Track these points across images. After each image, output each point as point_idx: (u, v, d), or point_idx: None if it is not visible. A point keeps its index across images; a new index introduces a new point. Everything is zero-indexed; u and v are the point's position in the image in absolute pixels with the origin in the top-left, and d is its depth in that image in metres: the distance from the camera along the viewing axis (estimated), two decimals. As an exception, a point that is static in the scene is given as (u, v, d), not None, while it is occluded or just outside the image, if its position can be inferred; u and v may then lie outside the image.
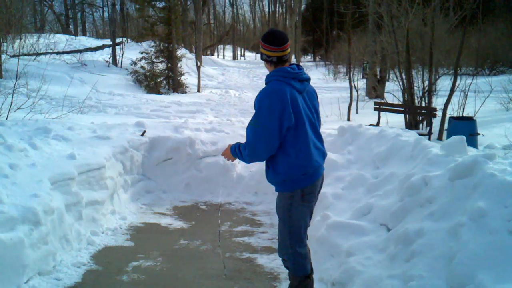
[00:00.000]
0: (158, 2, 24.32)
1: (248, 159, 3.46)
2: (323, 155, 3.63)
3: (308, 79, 3.57)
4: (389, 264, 3.58)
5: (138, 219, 6.15)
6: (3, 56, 15.68)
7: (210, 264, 4.74)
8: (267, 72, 3.55)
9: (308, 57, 56.86)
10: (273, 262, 4.77)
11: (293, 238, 3.55)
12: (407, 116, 11.61)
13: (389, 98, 14.71)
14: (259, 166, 7.34)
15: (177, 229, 5.84)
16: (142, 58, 22.49)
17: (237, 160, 3.81)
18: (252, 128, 3.35)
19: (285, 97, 3.29)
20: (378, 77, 19.66)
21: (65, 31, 41.56)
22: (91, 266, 4.62)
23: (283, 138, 3.36)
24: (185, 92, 22.42)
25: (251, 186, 7.15)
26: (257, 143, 3.33)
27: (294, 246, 3.55)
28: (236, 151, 3.55)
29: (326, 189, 5.18)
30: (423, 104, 11.70)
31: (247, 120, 10.48)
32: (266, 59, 3.50)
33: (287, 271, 3.79)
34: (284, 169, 3.42)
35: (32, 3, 36.18)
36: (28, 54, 19.64)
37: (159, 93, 21.06)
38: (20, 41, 21.22)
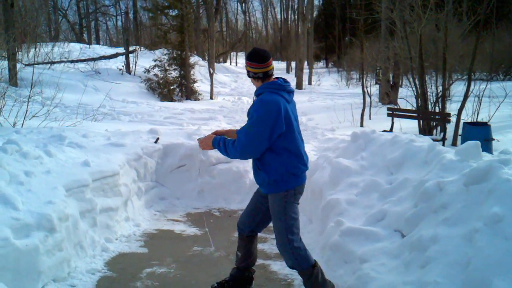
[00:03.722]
0: (171, 10, 24.44)
1: (233, 155, 3.79)
2: (308, 160, 3.99)
3: (293, 91, 3.95)
4: (404, 270, 3.56)
5: (151, 225, 6.17)
6: (18, 65, 15.87)
7: (223, 270, 4.73)
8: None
9: (321, 64, 56.80)
10: (287, 269, 4.74)
11: (290, 235, 3.80)
12: (421, 121, 11.53)
13: (402, 104, 14.63)
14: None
15: (191, 235, 5.85)
16: (155, 65, 22.63)
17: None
18: (246, 131, 3.67)
19: (279, 108, 3.65)
20: (391, 83, 19.57)
21: (79, 39, 42.03)
22: (105, 272, 4.64)
23: (275, 142, 3.71)
24: (198, 99, 22.50)
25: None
26: (248, 144, 3.65)
27: (292, 242, 3.79)
28: (220, 144, 3.82)
29: (340, 195, 5.16)
30: (437, 110, 11.61)
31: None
32: (253, 76, 3.84)
33: (301, 278, 3.85)
34: (275, 170, 3.76)
35: (47, 12, 36.63)
36: (43, 63, 19.91)
37: (172, 100, 21.16)
38: (35, 50, 21.51)
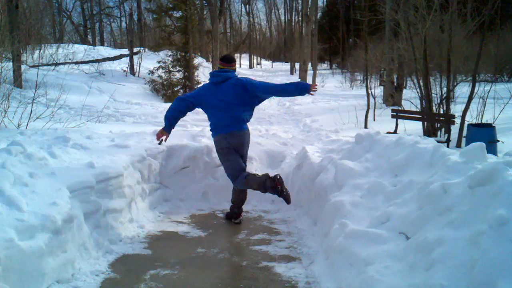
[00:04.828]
0: (175, 12, 24.49)
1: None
2: None
3: None
4: (409, 273, 3.54)
5: (155, 227, 6.17)
6: (23, 67, 15.91)
7: (227, 273, 4.73)
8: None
9: (325, 65, 56.73)
10: (291, 271, 4.74)
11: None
12: (425, 123, 11.51)
13: (406, 106, 14.60)
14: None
15: (195, 237, 5.85)
16: (159, 67, 22.67)
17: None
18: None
19: None
20: (395, 84, 19.53)
21: (83, 41, 42.19)
22: (109, 274, 4.64)
23: None
24: (202, 101, 22.48)
25: (269, 194, 7.12)
26: None
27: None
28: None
29: (344, 197, 5.15)
30: (441, 111, 11.59)
31: (263, 128, 10.48)
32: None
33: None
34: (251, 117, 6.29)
35: (51, 14, 36.74)
36: (47, 64, 19.97)
37: (176, 102, 21.13)
38: (39, 51, 21.59)
